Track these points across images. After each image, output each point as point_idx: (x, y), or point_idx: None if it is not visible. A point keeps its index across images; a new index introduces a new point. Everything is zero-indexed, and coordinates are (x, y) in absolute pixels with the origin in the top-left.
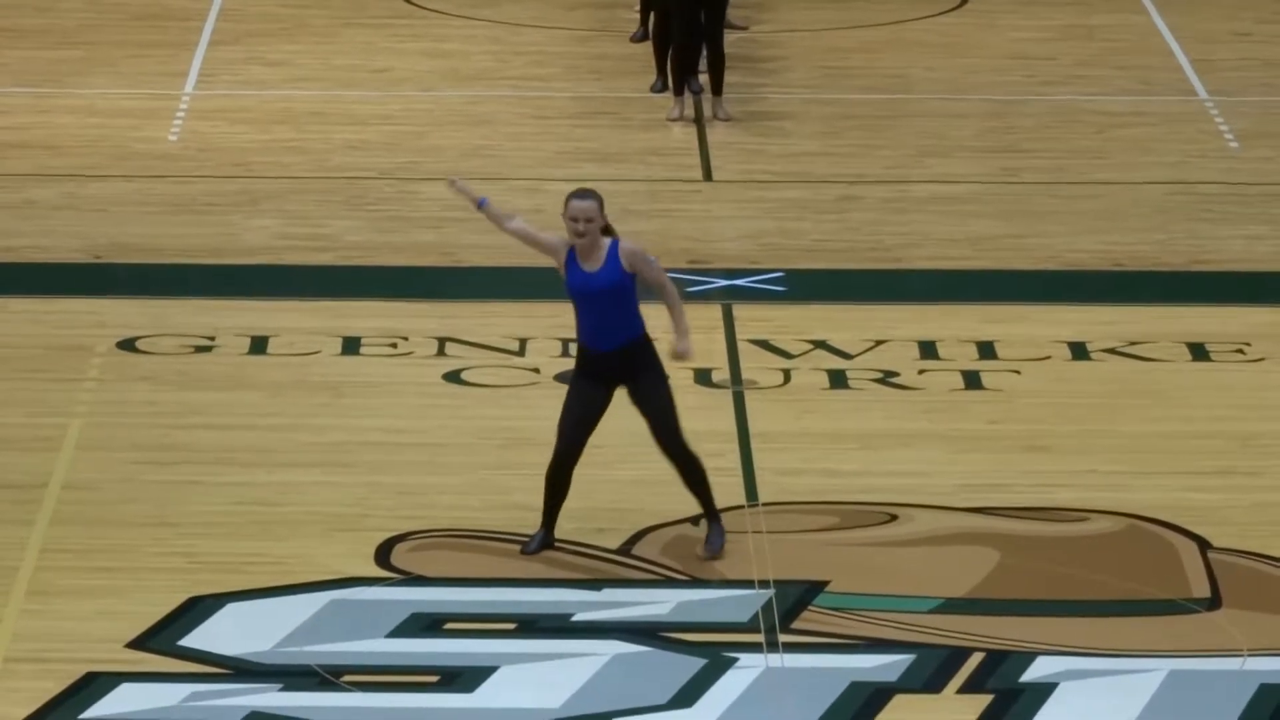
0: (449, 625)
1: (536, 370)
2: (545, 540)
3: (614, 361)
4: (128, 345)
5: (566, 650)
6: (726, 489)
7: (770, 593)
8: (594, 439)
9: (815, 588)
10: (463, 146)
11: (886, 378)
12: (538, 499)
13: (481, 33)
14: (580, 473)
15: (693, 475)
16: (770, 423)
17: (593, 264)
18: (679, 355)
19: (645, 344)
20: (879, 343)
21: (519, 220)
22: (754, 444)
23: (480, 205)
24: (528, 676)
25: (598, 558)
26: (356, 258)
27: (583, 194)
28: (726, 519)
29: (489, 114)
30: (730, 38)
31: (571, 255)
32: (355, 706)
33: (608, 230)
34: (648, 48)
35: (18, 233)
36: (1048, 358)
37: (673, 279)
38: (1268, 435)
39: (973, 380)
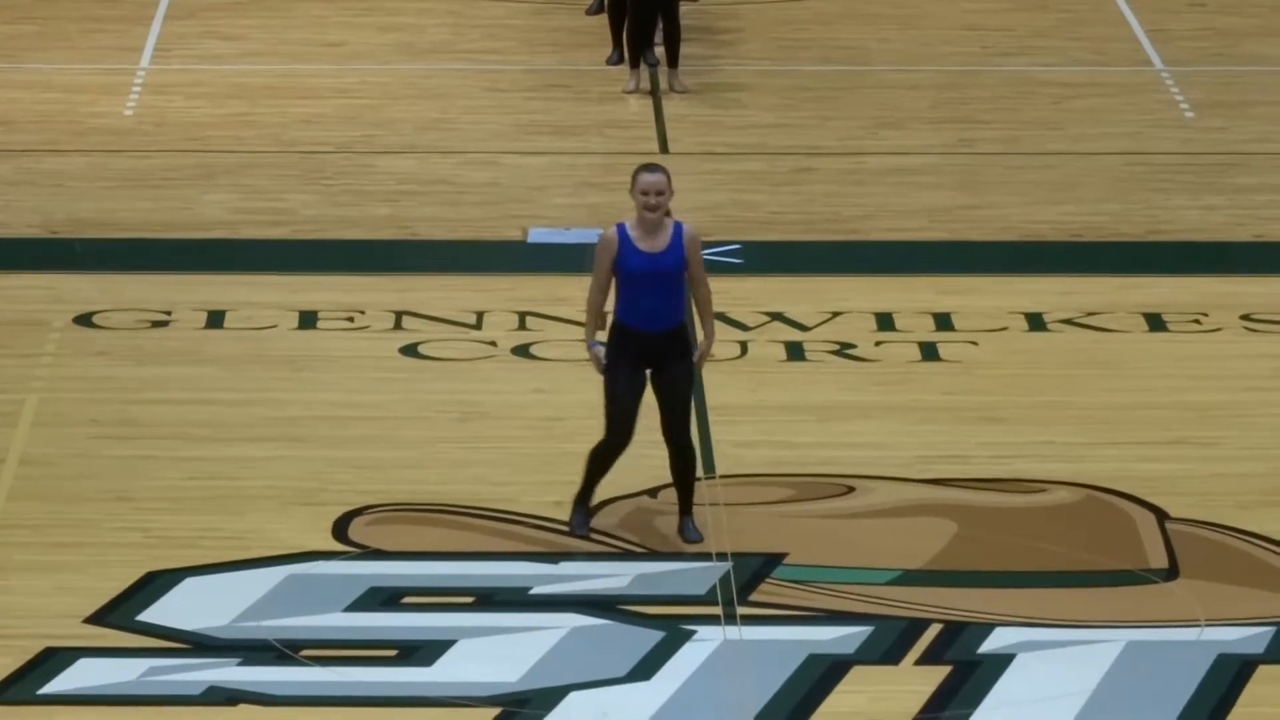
0: (407, 599)
1: (493, 343)
2: (588, 517)
3: (661, 345)
4: (84, 320)
5: (525, 623)
6: None
7: (728, 565)
8: (552, 411)
9: (773, 560)
10: (418, 120)
11: (843, 349)
12: (494, 471)
13: (436, 6)
14: (538, 446)
15: (689, 469)
16: (727, 395)
17: (657, 245)
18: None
19: (686, 330)
20: (835, 315)
21: (599, 300)
22: (711, 416)
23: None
24: (486, 650)
25: (556, 531)
26: (313, 231)
27: (652, 168)
28: None
29: (444, 87)
30: (685, 9)
31: (625, 236)
32: (313, 680)
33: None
34: (604, 20)
35: None
36: (1004, 329)
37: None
38: (1224, 405)
39: (929, 352)
